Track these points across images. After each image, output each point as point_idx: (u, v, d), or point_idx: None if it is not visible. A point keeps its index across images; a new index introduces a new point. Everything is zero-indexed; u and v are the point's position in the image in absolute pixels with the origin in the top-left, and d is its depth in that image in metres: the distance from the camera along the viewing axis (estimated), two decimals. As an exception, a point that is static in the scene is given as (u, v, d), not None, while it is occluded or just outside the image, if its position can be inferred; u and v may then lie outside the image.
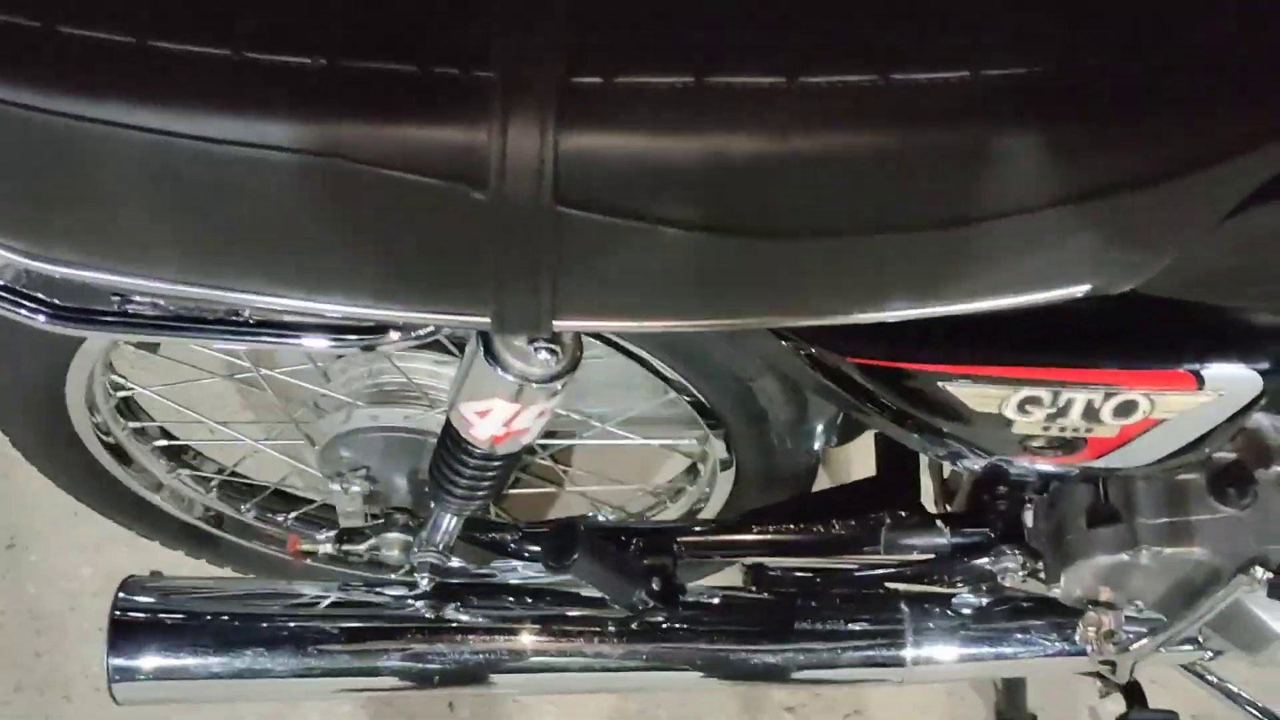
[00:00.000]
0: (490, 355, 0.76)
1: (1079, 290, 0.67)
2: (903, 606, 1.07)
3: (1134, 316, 0.78)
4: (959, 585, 1.07)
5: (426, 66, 0.55)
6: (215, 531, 1.29)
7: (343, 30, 0.55)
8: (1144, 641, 1.04)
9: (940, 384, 0.82)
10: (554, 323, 0.63)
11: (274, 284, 0.62)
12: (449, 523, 0.99)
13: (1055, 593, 1.01)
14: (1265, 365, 0.80)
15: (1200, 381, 0.80)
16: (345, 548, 1.05)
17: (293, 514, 1.29)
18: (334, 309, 0.64)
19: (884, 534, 1.05)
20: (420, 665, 1.03)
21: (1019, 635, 1.09)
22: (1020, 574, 1.03)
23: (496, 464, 0.89)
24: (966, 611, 1.08)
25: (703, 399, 1.03)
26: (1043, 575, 1.02)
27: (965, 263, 0.63)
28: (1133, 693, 1.12)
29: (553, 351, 0.75)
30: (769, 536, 1.07)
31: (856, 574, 1.09)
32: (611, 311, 0.64)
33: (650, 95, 0.55)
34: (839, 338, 0.82)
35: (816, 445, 1.09)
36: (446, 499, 0.93)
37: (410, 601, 1.04)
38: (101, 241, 0.61)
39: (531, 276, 0.60)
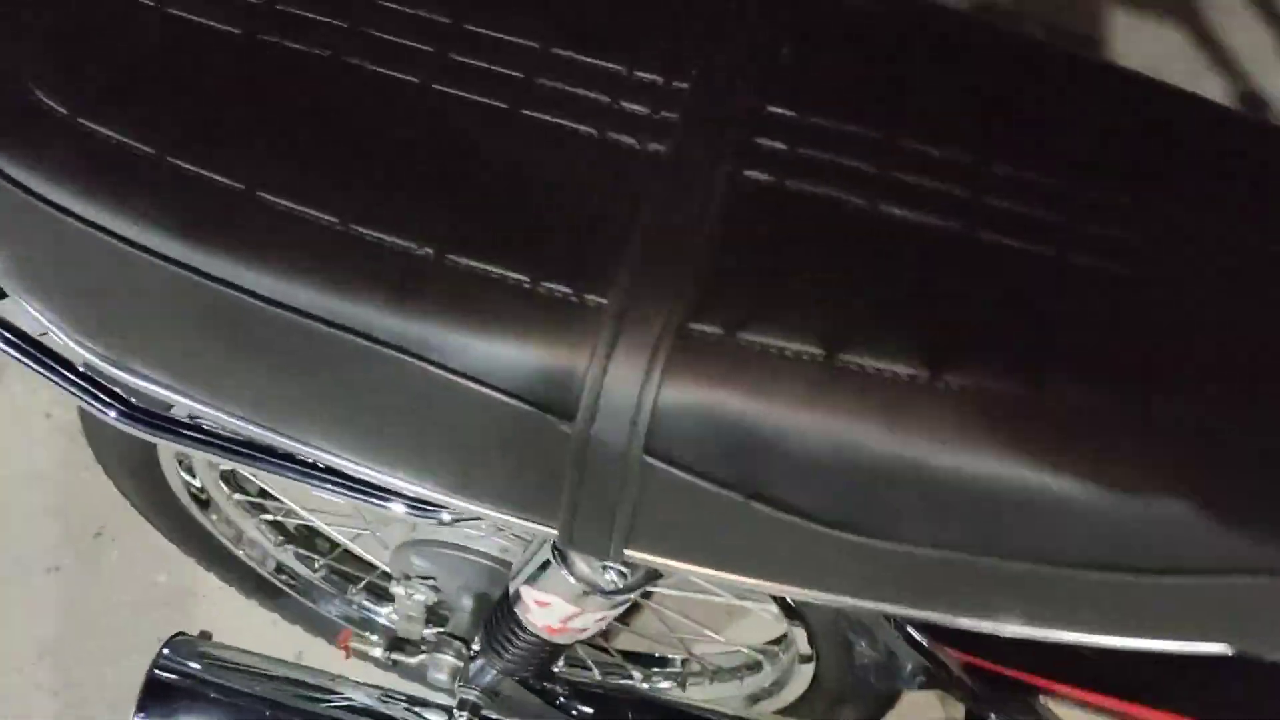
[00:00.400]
0: (559, 557, 0.71)
1: (1219, 649, 0.58)
2: None
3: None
4: None
5: (539, 278, 0.50)
6: (280, 585, 1.27)
7: (457, 220, 0.51)
8: None
9: (1042, 698, 0.73)
10: (625, 551, 0.57)
11: (344, 449, 0.58)
12: (495, 677, 0.94)
13: None
14: None
15: None
16: (395, 657, 1.02)
17: (360, 584, 1.26)
18: (404, 486, 0.59)
19: None
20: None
21: None
22: None
23: (548, 649, 0.84)
24: None
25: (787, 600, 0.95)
26: None
27: (1097, 603, 0.55)
28: None
29: (622, 574, 0.69)
30: None
31: None
32: (689, 556, 0.58)
33: (773, 359, 0.49)
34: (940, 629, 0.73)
35: (900, 684, 1.00)
36: (494, 659, 0.88)
37: (445, 732, 0.99)
38: (174, 365, 0.58)
39: (607, 510, 0.54)
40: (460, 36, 0.53)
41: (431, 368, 0.50)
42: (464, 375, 0.50)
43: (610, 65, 0.54)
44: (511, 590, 0.80)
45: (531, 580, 0.76)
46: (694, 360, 0.49)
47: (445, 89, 0.53)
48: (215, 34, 0.53)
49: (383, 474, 0.58)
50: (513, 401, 0.50)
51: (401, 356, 0.50)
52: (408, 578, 1.05)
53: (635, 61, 0.54)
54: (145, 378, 0.58)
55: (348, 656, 1.05)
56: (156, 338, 0.56)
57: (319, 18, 0.53)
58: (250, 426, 0.58)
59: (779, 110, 0.53)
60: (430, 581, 1.05)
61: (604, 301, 0.49)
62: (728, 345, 0.49)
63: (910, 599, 0.58)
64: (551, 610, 0.76)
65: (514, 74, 0.53)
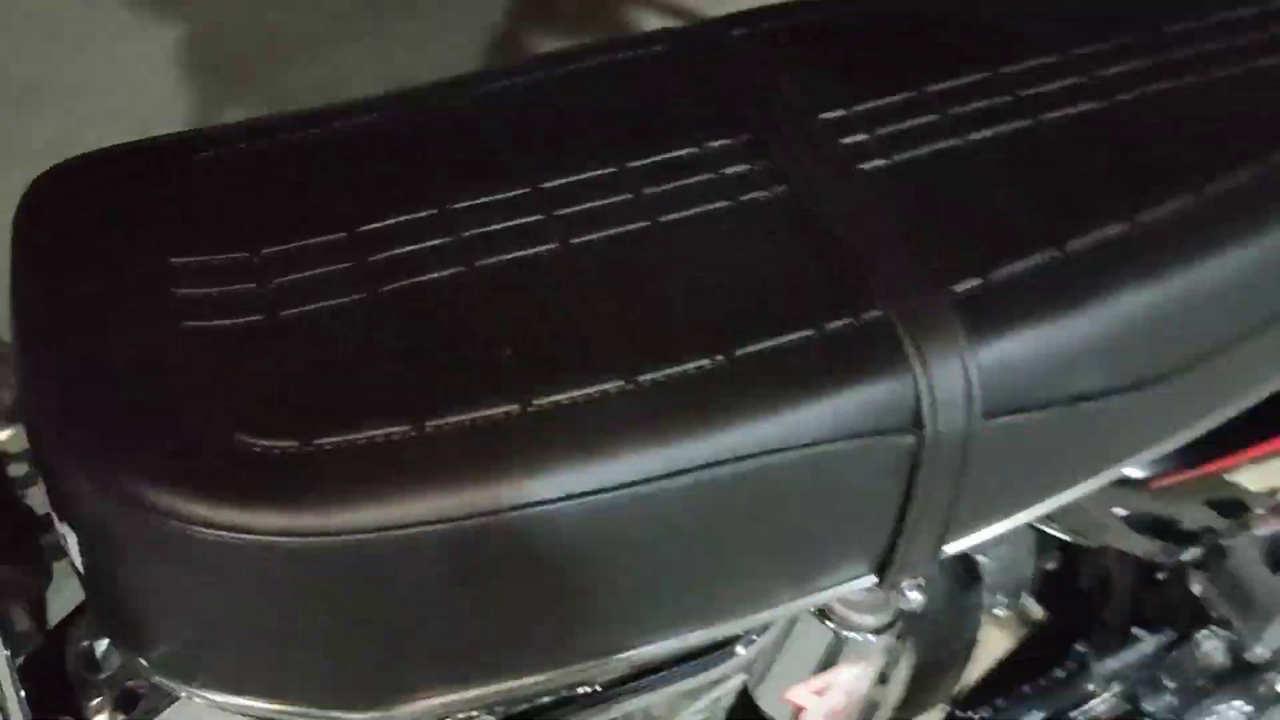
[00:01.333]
0: (829, 619, 0.68)
1: None
2: None
3: None
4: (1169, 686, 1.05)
5: (819, 325, 0.50)
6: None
7: (709, 325, 0.50)
8: None
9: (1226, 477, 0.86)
10: (946, 549, 0.58)
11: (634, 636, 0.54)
12: None
13: (1255, 653, 1.01)
14: None
15: None
16: None
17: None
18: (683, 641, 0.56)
19: (1094, 669, 1.02)
20: None
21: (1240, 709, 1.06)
22: (1223, 648, 1.02)
23: None
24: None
25: None
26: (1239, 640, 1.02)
27: None
28: None
29: (919, 588, 0.67)
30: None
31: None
32: (1018, 505, 0.60)
33: (1031, 282, 0.53)
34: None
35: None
36: None
37: None
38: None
39: (944, 505, 0.54)
40: (552, 195, 0.53)
41: (764, 456, 0.48)
42: (808, 444, 0.48)
43: (685, 151, 0.56)
44: (755, 695, 0.74)
45: (791, 668, 0.71)
46: (980, 315, 0.51)
47: (581, 246, 0.52)
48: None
49: (669, 638, 0.55)
50: (857, 441, 0.49)
51: (736, 465, 0.48)
52: None
53: (697, 139, 0.56)
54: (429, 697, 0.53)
55: None
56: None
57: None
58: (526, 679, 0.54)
59: (834, 114, 0.58)
60: None
61: (879, 312, 0.50)
62: (993, 287, 0.52)
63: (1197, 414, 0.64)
64: (832, 691, 0.72)
65: (620, 198, 0.54)
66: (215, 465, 0.43)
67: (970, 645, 1.06)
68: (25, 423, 0.48)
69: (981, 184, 0.57)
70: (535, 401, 0.46)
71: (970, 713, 1.01)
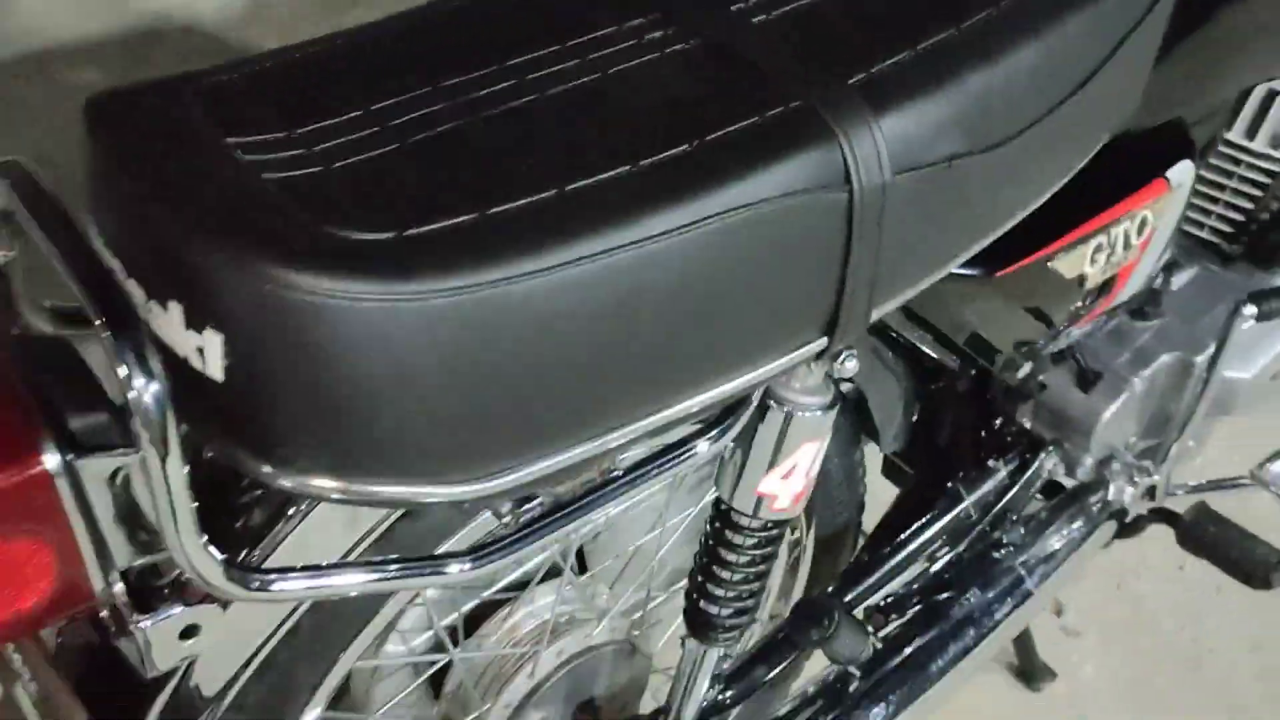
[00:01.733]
0: (776, 401, 0.83)
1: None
2: (1007, 557, 1.23)
3: (1126, 153, 0.96)
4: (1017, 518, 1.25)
5: (761, 114, 0.66)
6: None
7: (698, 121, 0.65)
8: (1164, 466, 1.27)
9: (1049, 264, 0.99)
10: (872, 313, 0.73)
11: (649, 401, 0.67)
12: (701, 683, 1.00)
13: (1080, 473, 1.24)
14: (1193, 154, 1.11)
15: (1168, 182, 1.07)
16: None
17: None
18: (700, 399, 0.69)
19: (967, 499, 1.21)
20: None
21: (1076, 526, 1.27)
22: (1061, 467, 1.24)
23: (777, 537, 0.92)
24: (1045, 525, 1.26)
25: None
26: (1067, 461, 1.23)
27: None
28: (1169, 516, 1.34)
29: (854, 357, 0.80)
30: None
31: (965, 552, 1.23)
32: (934, 264, 0.78)
33: (904, 72, 0.69)
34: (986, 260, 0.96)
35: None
36: (715, 634, 0.95)
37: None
38: (530, 428, 0.64)
39: (872, 260, 0.69)
40: (519, 68, 0.67)
41: (721, 219, 0.61)
42: (765, 200, 0.62)
43: (612, 29, 0.70)
44: (738, 518, 0.89)
45: (769, 467, 0.85)
46: (876, 95, 0.66)
47: (555, 95, 0.66)
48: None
49: (680, 402, 0.68)
50: (800, 198, 0.64)
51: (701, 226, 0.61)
52: None
53: (618, 20, 0.70)
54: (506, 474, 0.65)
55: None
56: (513, 396, 0.62)
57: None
58: (576, 449, 0.66)
59: None
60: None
61: (800, 102, 0.65)
62: (879, 77, 0.67)
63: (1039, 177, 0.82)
64: (797, 470, 0.86)
65: (571, 63, 0.67)
66: (339, 249, 0.55)
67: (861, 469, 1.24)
68: (139, 265, 0.59)
69: (852, 17, 0.72)
70: (568, 188, 0.60)
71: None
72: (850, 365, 0.82)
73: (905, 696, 1.14)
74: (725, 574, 0.93)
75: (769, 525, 0.91)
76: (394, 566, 0.70)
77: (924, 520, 1.20)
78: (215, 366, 0.58)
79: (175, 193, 0.59)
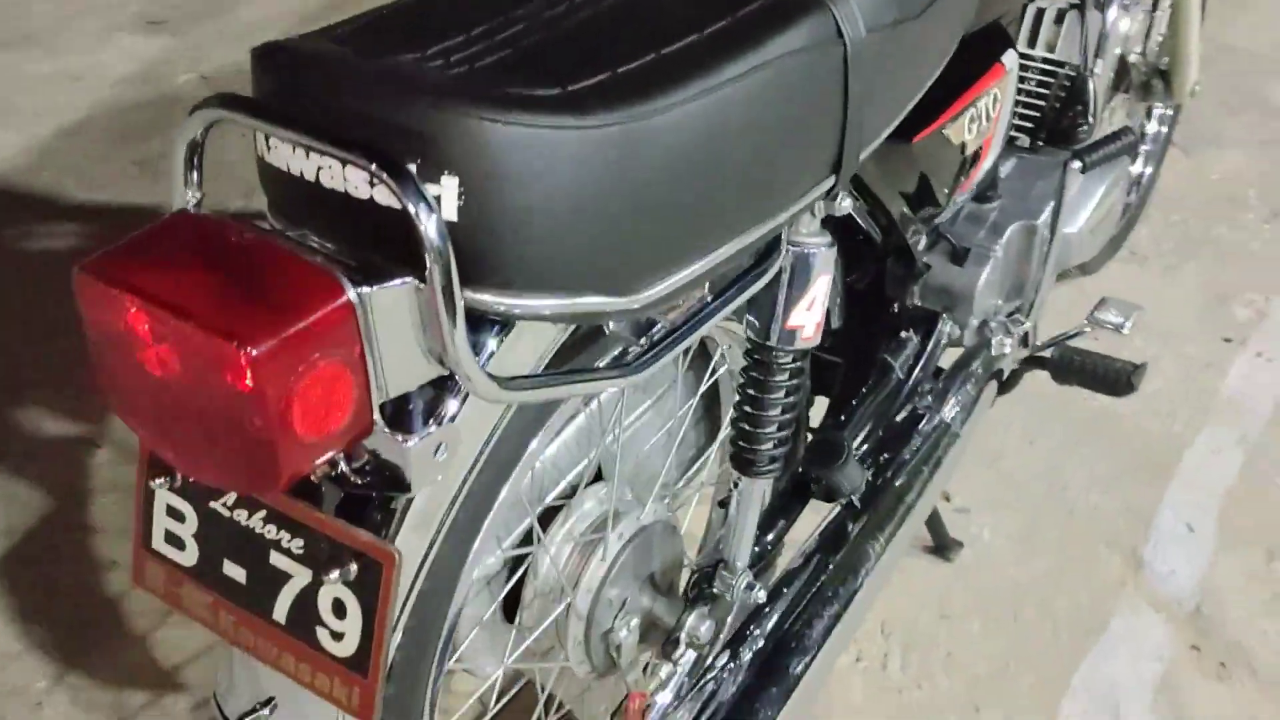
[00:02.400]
0: (793, 245, 1.04)
1: None
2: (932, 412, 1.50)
3: (974, 47, 1.23)
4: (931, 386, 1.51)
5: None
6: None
7: (714, 12, 0.88)
8: (1031, 316, 1.57)
9: (944, 132, 1.26)
10: (860, 153, 0.97)
11: (735, 222, 0.90)
12: (753, 514, 1.18)
13: (968, 336, 1.51)
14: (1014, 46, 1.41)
15: (1004, 66, 1.37)
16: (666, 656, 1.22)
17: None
18: (752, 234, 0.92)
19: (896, 369, 1.46)
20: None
21: (971, 382, 1.53)
22: (956, 330, 1.51)
23: (804, 369, 1.13)
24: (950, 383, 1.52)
25: None
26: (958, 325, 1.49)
27: None
28: (1041, 362, 1.65)
29: (849, 195, 1.04)
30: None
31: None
32: (882, 122, 1.02)
33: None
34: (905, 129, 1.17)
35: None
36: (761, 465, 1.14)
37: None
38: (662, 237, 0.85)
39: (863, 105, 0.93)
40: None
41: (762, 69, 0.84)
42: (784, 54, 0.85)
43: None
44: (766, 356, 1.09)
45: (792, 302, 1.05)
46: None
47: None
48: None
49: (750, 229, 0.91)
50: (804, 56, 0.86)
51: (754, 73, 0.84)
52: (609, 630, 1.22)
53: None
54: (659, 283, 0.85)
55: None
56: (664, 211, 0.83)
57: None
58: (697, 264, 0.88)
59: None
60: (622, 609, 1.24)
61: None
62: None
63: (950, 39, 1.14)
64: (816, 303, 1.06)
65: None
66: (528, 99, 0.75)
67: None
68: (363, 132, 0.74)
69: None
70: (664, 51, 0.82)
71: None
72: (846, 204, 1.05)
73: (894, 525, 1.36)
74: (767, 411, 1.12)
75: (798, 356, 1.11)
76: (594, 373, 0.88)
77: (866, 390, 1.44)
78: (450, 208, 0.75)
79: (396, 82, 0.76)
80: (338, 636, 0.82)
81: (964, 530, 1.85)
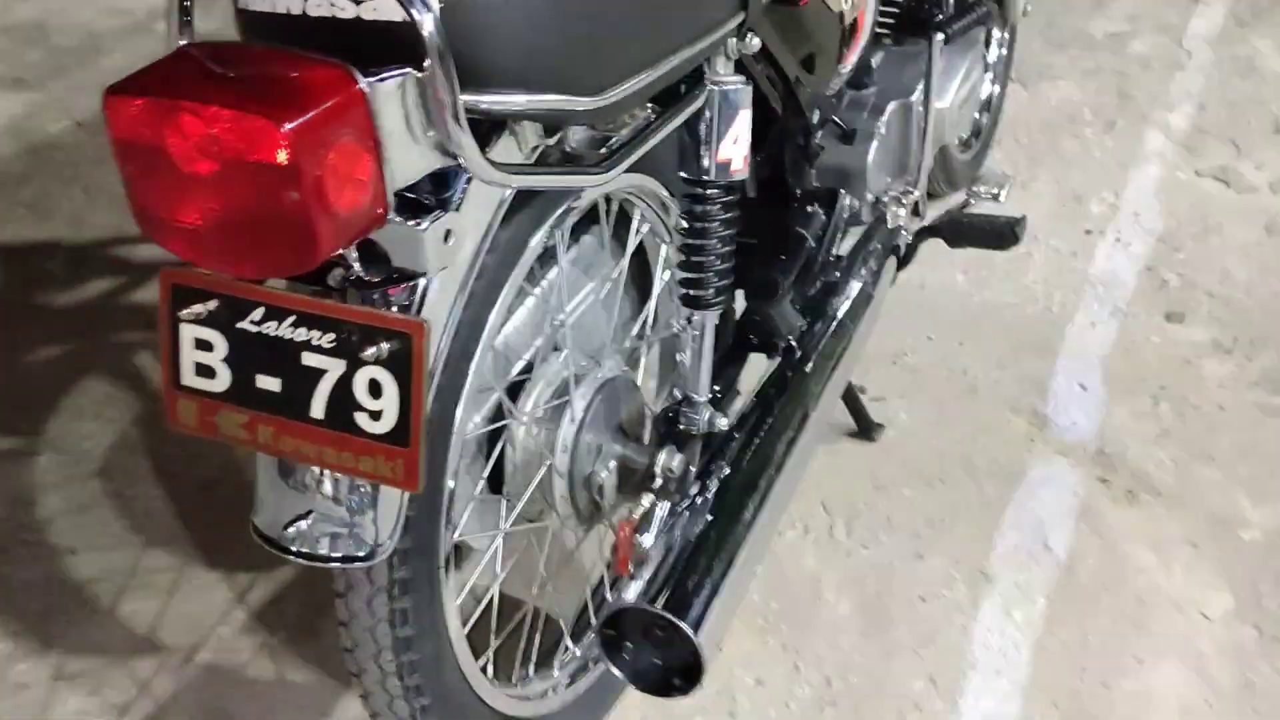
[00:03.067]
0: (714, 84, 1.16)
1: None
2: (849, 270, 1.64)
3: None
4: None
5: None
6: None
7: None
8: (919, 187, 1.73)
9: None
10: None
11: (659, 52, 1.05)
12: (709, 344, 1.27)
13: (864, 211, 1.70)
14: None
15: None
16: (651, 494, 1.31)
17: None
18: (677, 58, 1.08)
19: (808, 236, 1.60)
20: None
21: (873, 260, 1.68)
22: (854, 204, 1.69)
23: (735, 202, 1.24)
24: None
25: None
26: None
27: None
28: (933, 230, 1.82)
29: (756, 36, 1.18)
30: None
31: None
32: None
33: None
34: None
35: None
36: (711, 296, 1.25)
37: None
38: None
39: None
40: None
41: None
42: None
43: None
44: (704, 184, 1.19)
45: (720, 137, 1.16)
46: None
47: None
48: None
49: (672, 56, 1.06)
50: None
51: None
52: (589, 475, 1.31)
53: None
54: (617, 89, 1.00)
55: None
56: None
57: None
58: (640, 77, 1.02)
59: None
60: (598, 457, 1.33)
61: None
62: None
63: None
64: (741, 137, 1.17)
65: None
66: None
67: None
68: None
69: None
70: None
71: None
72: (754, 43, 1.18)
73: (829, 370, 1.48)
74: (709, 242, 1.24)
75: (730, 189, 1.23)
76: (574, 168, 1.01)
77: (783, 262, 1.56)
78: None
79: None
80: (375, 416, 0.91)
81: (882, 415, 1.99)
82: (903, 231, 1.71)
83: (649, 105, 1.13)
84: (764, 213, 1.55)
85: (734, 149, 1.21)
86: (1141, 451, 1.92)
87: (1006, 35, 2.57)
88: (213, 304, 0.93)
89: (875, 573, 1.73)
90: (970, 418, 2.00)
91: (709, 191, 1.22)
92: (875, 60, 1.71)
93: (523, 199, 1.03)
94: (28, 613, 1.71)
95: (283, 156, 0.78)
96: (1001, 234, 1.75)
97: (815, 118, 1.54)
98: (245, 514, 1.04)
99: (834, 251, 1.63)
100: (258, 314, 0.92)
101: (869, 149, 1.62)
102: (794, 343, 1.46)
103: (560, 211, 1.11)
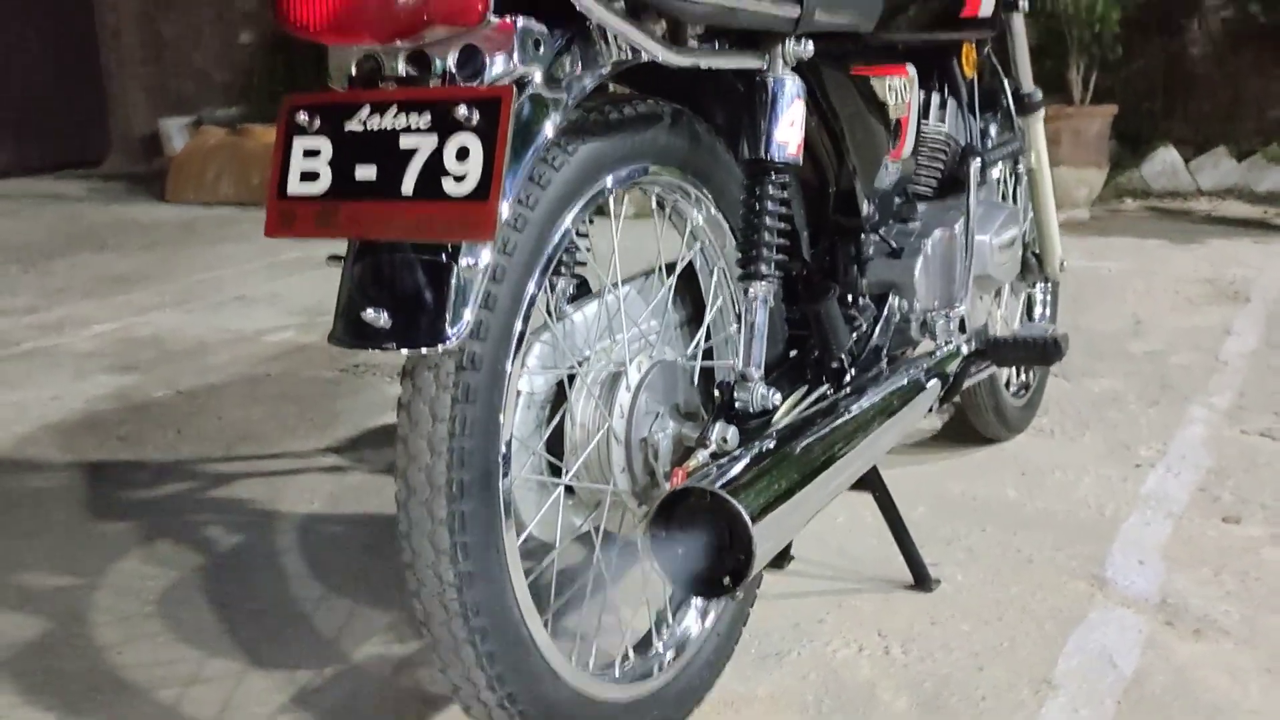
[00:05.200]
0: (775, 78, 1.36)
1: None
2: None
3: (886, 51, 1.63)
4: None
5: None
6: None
7: None
8: (963, 306, 1.87)
9: (874, 84, 1.59)
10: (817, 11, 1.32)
11: None
12: (763, 317, 1.38)
13: (913, 321, 1.87)
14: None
15: (908, 70, 1.78)
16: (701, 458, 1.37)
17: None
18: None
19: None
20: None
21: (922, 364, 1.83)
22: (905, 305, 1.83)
23: (790, 183, 1.41)
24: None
25: None
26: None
27: None
28: (979, 353, 1.94)
29: (810, 42, 1.37)
30: None
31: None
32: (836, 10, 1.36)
33: None
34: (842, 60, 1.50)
35: None
36: (765, 269, 1.38)
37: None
38: None
39: None
40: None
41: None
42: None
43: None
44: (767, 165, 1.37)
45: (781, 123, 1.35)
46: None
47: None
48: None
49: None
50: None
51: None
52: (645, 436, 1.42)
53: None
54: None
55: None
56: None
57: None
58: None
59: None
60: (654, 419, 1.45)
61: None
62: None
63: None
64: (797, 120, 1.36)
65: None
66: None
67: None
68: None
69: None
70: None
71: None
72: (809, 48, 1.37)
73: (877, 398, 1.55)
74: (765, 219, 1.37)
75: (785, 168, 1.38)
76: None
77: (839, 343, 1.66)
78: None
79: None
80: (460, 179, 1.01)
81: (937, 574, 1.97)
82: (949, 345, 1.82)
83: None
84: (818, 309, 1.67)
85: (790, 131, 1.37)
86: (1206, 605, 1.87)
87: (1051, 289, 2.77)
88: (326, 111, 1.07)
89: (933, 679, 1.67)
90: (1027, 579, 1.98)
91: (766, 169, 1.37)
92: (922, 207, 1.89)
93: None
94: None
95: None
96: (1046, 349, 1.83)
97: (866, 209, 1.70)
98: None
99: (885, 349, 1.73)
100: (364, 112, 1.06)
101: (917, 265, 1.76)
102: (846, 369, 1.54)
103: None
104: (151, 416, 3.05)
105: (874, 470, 1.86)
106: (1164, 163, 6.15)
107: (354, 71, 1.08)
